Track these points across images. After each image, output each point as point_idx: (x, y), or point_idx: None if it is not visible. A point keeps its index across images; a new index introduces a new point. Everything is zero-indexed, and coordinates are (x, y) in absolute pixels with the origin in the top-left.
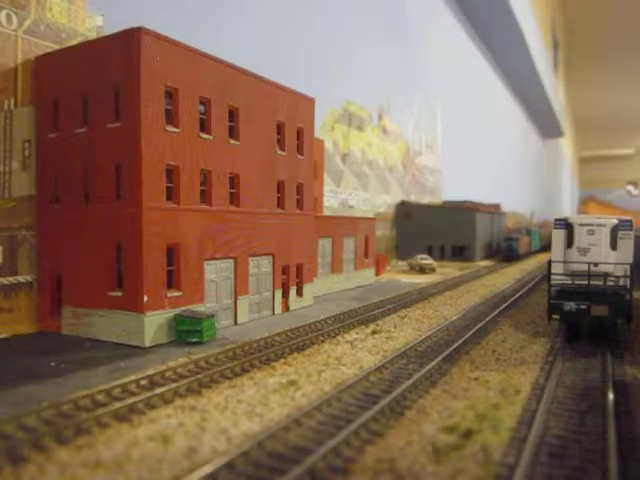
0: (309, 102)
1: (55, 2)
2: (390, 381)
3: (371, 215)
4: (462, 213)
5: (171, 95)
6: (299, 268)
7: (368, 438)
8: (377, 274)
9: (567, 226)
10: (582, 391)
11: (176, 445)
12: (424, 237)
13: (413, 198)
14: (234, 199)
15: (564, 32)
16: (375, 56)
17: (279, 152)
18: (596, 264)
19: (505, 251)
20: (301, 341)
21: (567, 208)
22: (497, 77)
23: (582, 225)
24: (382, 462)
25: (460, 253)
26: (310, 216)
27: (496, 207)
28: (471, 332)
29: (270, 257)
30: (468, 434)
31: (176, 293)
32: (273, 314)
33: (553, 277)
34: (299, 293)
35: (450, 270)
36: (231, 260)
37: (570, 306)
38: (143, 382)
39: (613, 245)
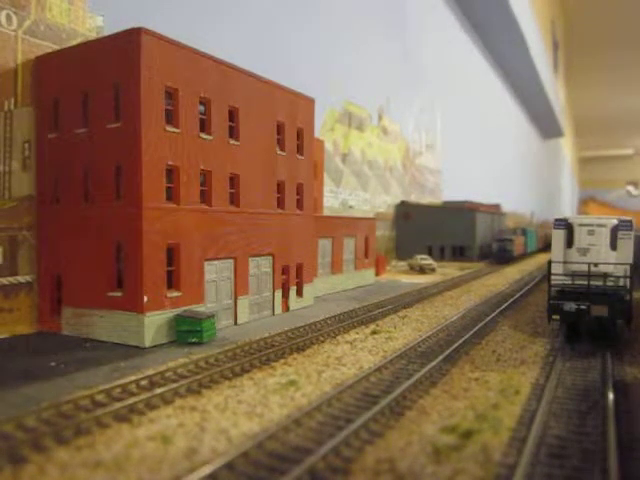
0: (309, 102)
1: (55, 2)
2: (390, 381)
3: (371, 215)
4: (462, 213)
5: (171, 95)
6: (299, 268)
7: (368, 438)
8: (377, 274)
9: (567, 226)
10: (582, 391)
11: (176, 445)
12: (424, 237)
13: (413, 198)
14: (234, 199)
15: (564, 33)
16: (375, 56)
17: (279, 152)
18: (596, 264)
19: (497, 252)
20: (301, 341)
21: (567, 208)
22: (497, 77)
23: (582, 225)
24: (382, 462)
25: (460, 253)
26: (310, 216)
27: (496, 207)
28: (471, 332)
29: (270, 257)
30: (468, 434)
31: (176, 293)
32: (273, 314)
33: (553, 277)
34: (299, 293)
35: (450, 270)
36: (231, 260)
37: (570, 306)
38: (143, 382)
39: (613, 245)
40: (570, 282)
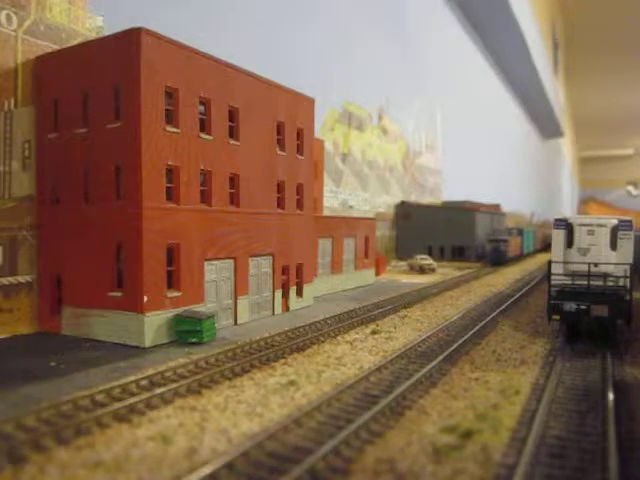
0: (309, 102)
1: (55, 2)
2: (390, 381)
3: (371, 215)
4: (462, 213)
5: (171, 95)
6: (299, 268)
7: (368, 438)
8: (377, 274)
9: (567, 226)
10: (582, 391)
11: (176, 445)
12: (424, 237)
13: (413, 198)
14: (234, 199)
15: (564, 33)
16: (375, 56)
17: (279, 152)
18: (596, 264)
19: (491, 254)
20: (301, 341)
21: (567, 208)
22: (497, 77)
23: (582, 225)
24: (382, 462)
25: (460, 253)
26: (310, 216)
27: (496, 207)
28: (471, 332)
29: (270, 257)
30: (468, 434)
31: (176, 293)
32: (273, 314)
33: (553, 277)
34: (299, 293)
35: (450, 270)
36: (231, 260)
37: (570, 306)
38: (143, 382)
39: (613, 245)
40: (570, 282)
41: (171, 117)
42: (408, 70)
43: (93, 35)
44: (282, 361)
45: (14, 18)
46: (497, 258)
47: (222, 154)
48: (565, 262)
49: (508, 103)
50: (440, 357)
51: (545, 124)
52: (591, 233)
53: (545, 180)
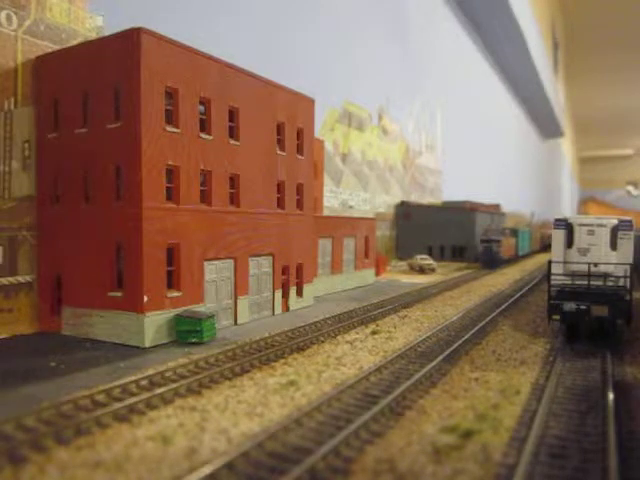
0: (309, 102)
1: (55, 2)
2: (390, 381)
3: (371, 215)
4: (462, 213)
5: (171, 95)
6: (299, 268)
7: (368, 438)
8: (377, 274)
9: (567, 226)
10: (582, 391)
11: (176, 445)
12: (424, 237)
13: (413, 198)
14: (234, 199)
15: (564, 33)
16: (375, 56)
17: (279, 152)
18: (596, 264)
19: (482, 256)
20: (301, 341)
21: (567, 208)
22: (497, 77)
23: (582, 225)
24: (382, 462)
25: (460, 254)
26: (310, 216)
27: (496, 207)
28: (471, 332)
29: (270, 257)
30: (468, 434)
31: (176, 293)
32: (273, 314)
33: (553, 277)
34: (299, 293)
35: (450, 270)
36: (231, 260)
37: (570, 306)
38: (143, 382)
39: (613, 245)
40: (570, 282)
41: (171, 117)
42: (408, 70)
43: (93, 35)
44: (282, 361)
45: (14, 18)
46: (489, 260)
47: (222, 154)
48: (565, 262)
49: (508, 103)
50: (440, 357)
51: (545, 124)
52: (591, 233)
53: (545, 180)
